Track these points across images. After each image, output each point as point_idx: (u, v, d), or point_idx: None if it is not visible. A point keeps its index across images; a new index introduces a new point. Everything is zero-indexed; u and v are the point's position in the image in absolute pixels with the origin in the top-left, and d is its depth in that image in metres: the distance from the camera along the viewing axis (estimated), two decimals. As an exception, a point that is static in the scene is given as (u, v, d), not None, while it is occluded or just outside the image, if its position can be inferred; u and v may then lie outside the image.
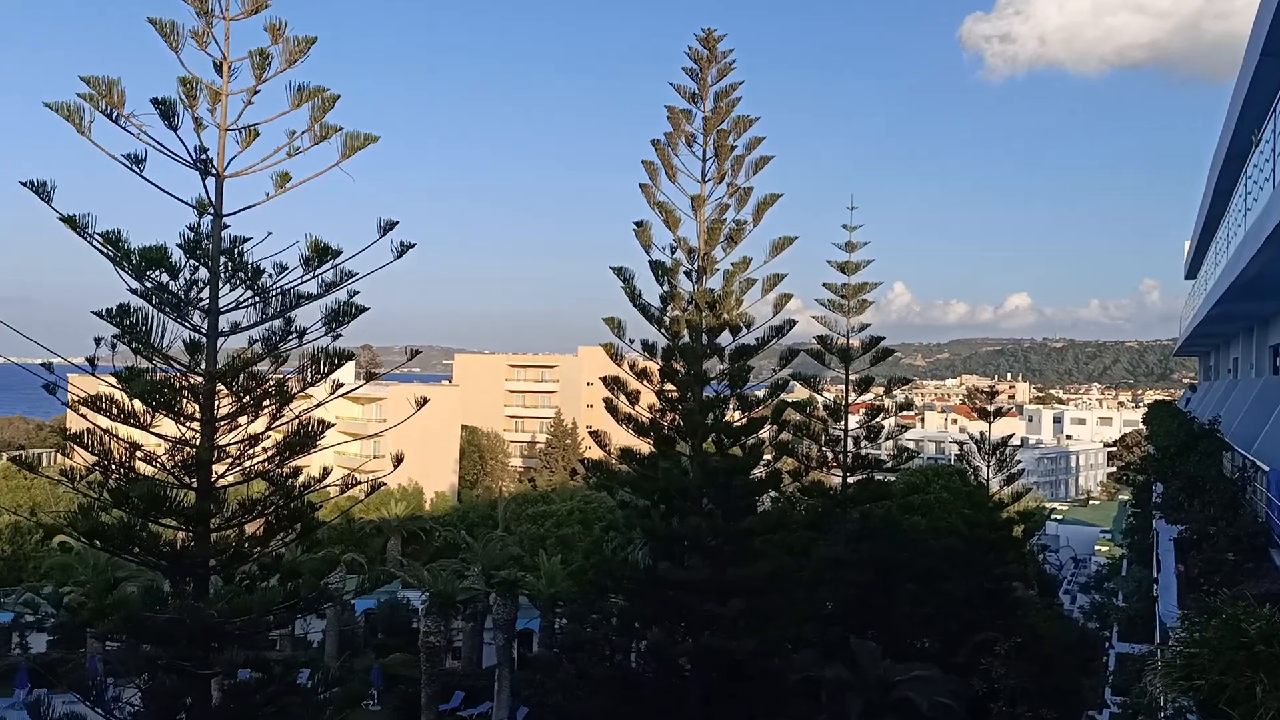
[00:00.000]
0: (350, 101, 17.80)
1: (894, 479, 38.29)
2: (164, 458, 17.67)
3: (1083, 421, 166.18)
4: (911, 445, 41.47)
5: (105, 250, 16.85)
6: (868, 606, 31.34)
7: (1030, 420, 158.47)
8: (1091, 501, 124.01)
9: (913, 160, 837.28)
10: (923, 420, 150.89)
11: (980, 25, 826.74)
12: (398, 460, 18.99)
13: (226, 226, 17.78)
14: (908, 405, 46.28)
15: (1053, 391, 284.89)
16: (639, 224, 27.83)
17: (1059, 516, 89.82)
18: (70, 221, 16.29)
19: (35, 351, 17.49)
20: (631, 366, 28.15)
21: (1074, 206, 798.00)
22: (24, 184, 16.22)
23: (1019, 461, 41.51)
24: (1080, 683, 29.92)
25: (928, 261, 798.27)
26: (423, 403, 19.32)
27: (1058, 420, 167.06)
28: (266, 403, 17.76)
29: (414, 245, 17.56)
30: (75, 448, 17.58)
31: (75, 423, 17.91)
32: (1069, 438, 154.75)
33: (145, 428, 17.76)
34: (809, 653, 27.27)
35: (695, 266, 28.05)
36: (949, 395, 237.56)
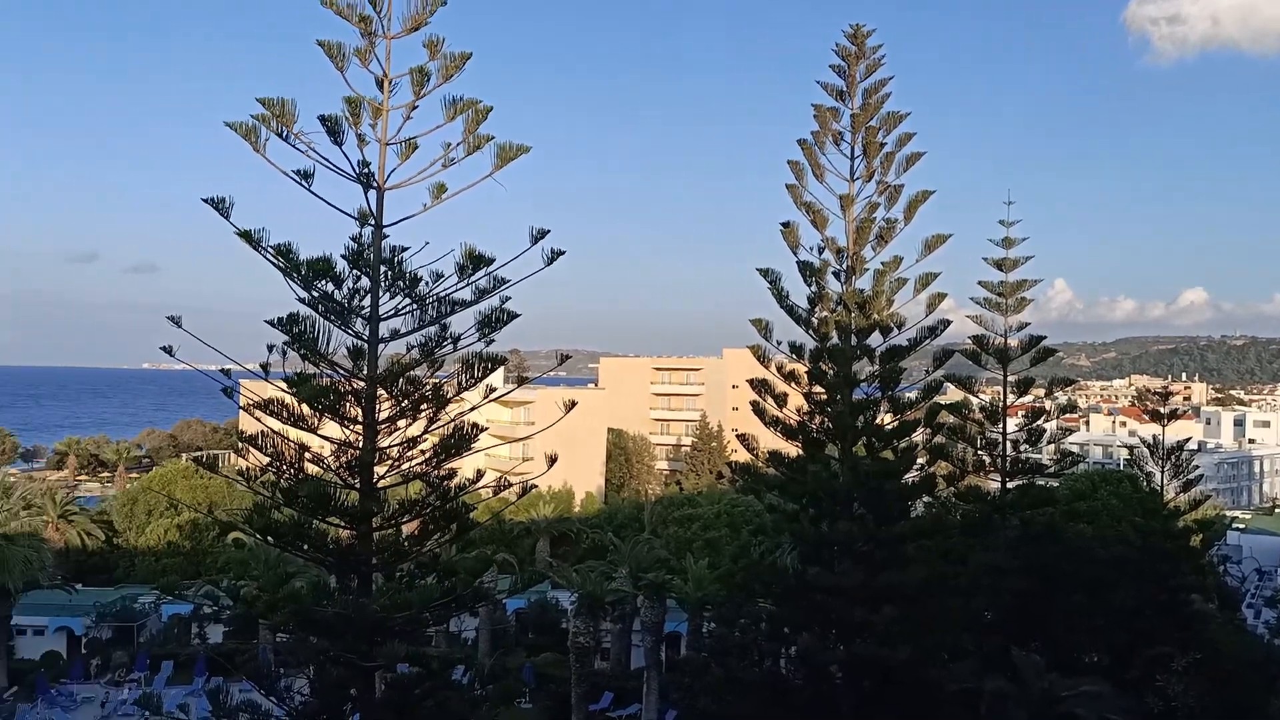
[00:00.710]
0: (504, 113, 18.41)
1: (1057, 484, 36.76)
2: (330, 459, 18.68)
3: (1267, 424, 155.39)
4: (1076, 449, 39.79)
5: (276, 262, 17.95)
6: (1029, 616, 30.22)
7: (1208, 423, 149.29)
8: (1278, 510, 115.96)
9: (1073, 152, 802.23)
10: (1087, 423, 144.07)
11: (1146, 7, 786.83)
12: (551, 460, 19.46)
13: (386, 237, 18.65)
14: (1071, 407, 44.36)
15: (1232, 392, 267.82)
16: (785, 225, 27.68)
17: (1241, 525, 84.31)
18: (246, 236, 17.41)
19: (213, 358, 18.75)
20: (779, 369, 27.99)
21: (1255, 195, 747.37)
22: (205, 200, 17.44)
23: (1196, 467, 39.19)
24: (1268, 702, 28.07)
25: (1091, 257, 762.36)
26: (571, 406, 19.74)
27: (1239, 423, 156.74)
28: (424, 406, 18.52)
29: (564, 252, 18.00)
30: (250, 449, 18.76)
31: (249, 425, 19.12)
32: (1252, 441, 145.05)
33: (313, 430, 18.81)
34: (967, 663, 26.50)
35: (844, 266, 27.69)
36: (1116, 397, 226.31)
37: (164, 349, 18.46)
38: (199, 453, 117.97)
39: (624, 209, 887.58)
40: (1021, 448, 33.39)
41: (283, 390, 18.47)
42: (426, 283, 18.35)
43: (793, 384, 27.81)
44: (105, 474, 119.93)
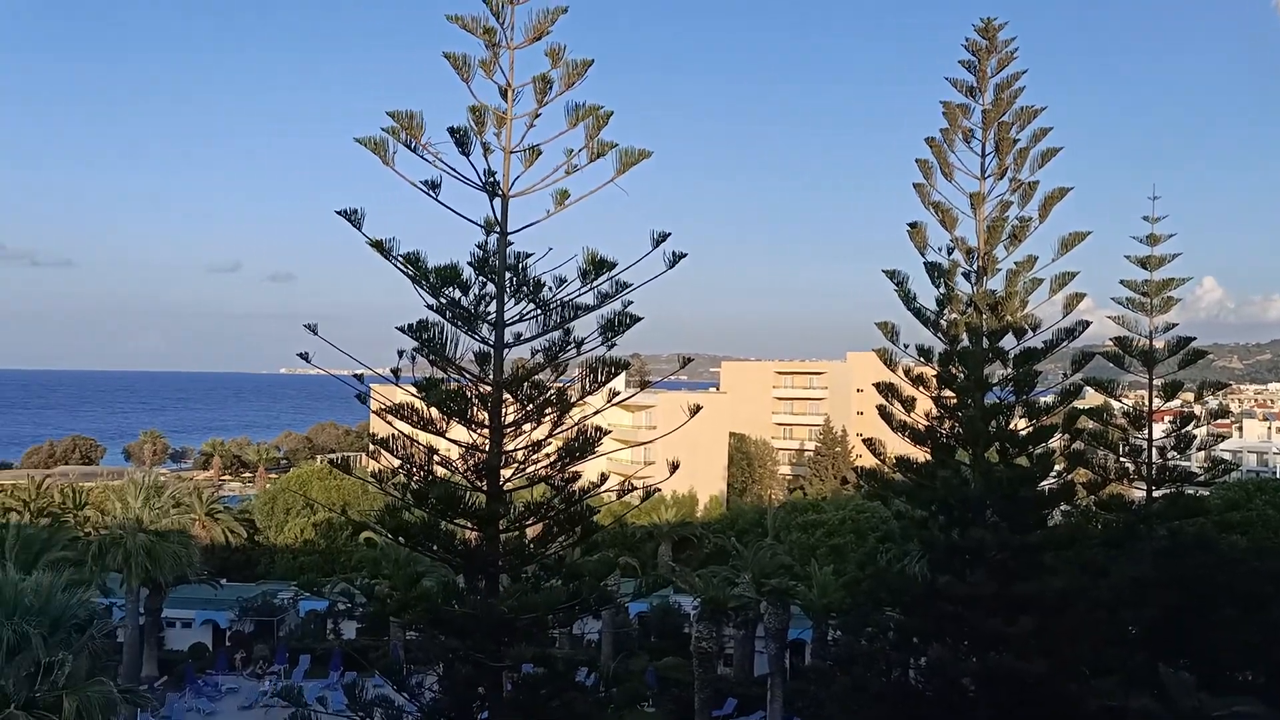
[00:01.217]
0: (625, 119, 18.66)
1: (1208, 493, 34.96)
2: (457, 462, 19.23)
3: None
4: (1228, 456, 37.73)
5: (406, 270, 18.59)
6: (1177, 632, 28.81)
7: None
8: None
9: (1223, 144, 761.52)
10: (1240, 428, 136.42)
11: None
12: (674, 466, 19.59)
13: (511, 243, 19.13)
14: (1222, 412, 42.12)
15: None
16: (913, 225, 27.15)
17: None
18: (378, 245, 18.09)
19: (346, 363, 19.55)
20: (906, 372, 27.44)
21: None
22: (339, 213, 18.19)
23: (1364, 476, 36.70)
24: None
25: (1243, 254, 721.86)
26: (696, 410, 19.83)
27: None
28: (548, 410, 18.89)
29: (685, 255, 18.12)
30: (382, 451, 19.48)
31: (379, 428, 19.86)
32: None
33: (441, 434, 19.41)
34: (1110, 679, 25.45)
35: (975, 267, 26.98)
36: (1272, 400, 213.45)
37: (301, 355, 19.33)
38: (333, 454, 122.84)
39: (744, 212, 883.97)
40: (1169, 455, 31.87)
41: (412, 395, 19.11)
42: (550, 288, 18.73)
43: (921, 388, 27.23)
44: (246, 474, 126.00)
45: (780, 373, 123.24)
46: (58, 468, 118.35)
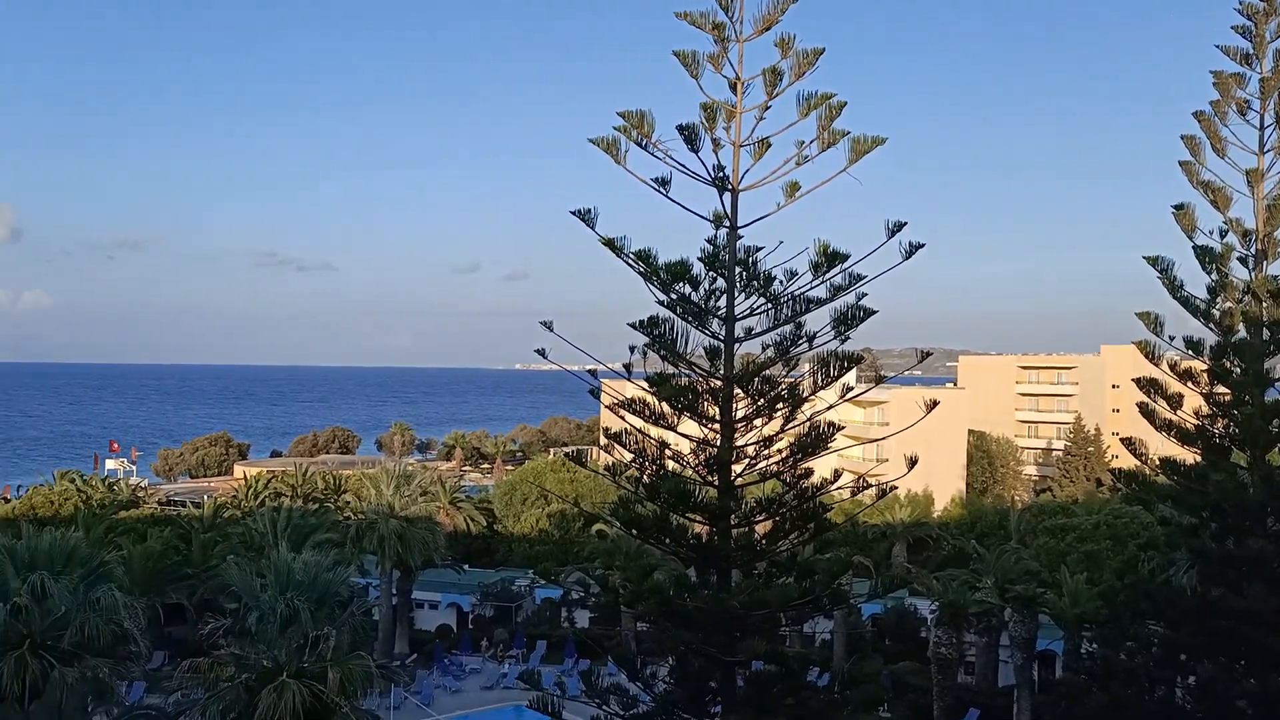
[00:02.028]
0: (857, 111, 18.37)
1: None
2: (689, 456, 19.57)
3: None
4: None
5: (637, 266, 19.08)
6: None
7: None
8: None
9: None
10: None
11: None
12: (912, 463, 19.14)
13: (740, 238, 19.23)
14: None
15: None
16: (1179, 207, 25.22)
17: None
18: (610, 243, 18.67)
19: (579, 359, 20.27)
20: (1172, 367, 25.52)
21: None
22: (573, 213, 18.92)
23: None
24: None
25: None
26: (933, 405, 19.27)
27: None
28: (779, 405, 18.89)
29: (923, 245, 17.66)
30: (615, 445, 20.09)
31: (611, 423, 20.49)
32: None
33: (672, 428, 19.80)
34: None
35: (1252, 251, 24.77)
36: None
37: (538, 351, 20.23)
38: (565, 448, 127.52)
39: (980, 201, 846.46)
40: None
41: (644, 390, 19.61)
42: (780, 282, 18.73)
43: (1189, 384, 25.26)
44: (485, 465, 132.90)
45: (1024, 367, 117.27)
46: (320, 456, 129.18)
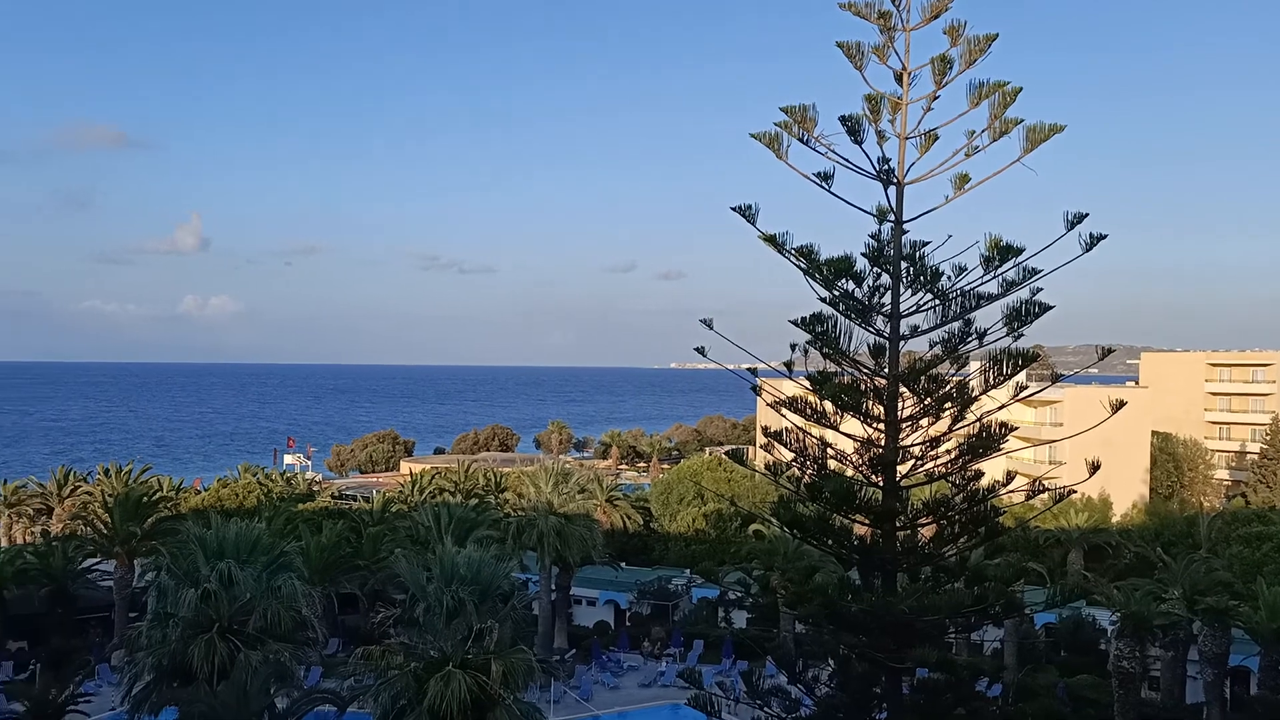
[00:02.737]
0: (1031, 99, 17.71)
1: None
2: (852, 456, 19.32)
3: None
4: None
5: (798, 263, 18.97)
6: None
7: None
8: None
9: None
10: None
11: None
12: (1094, 467, 18.34)
13: (906, 232, 18.86)
14: None
15: None
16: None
17: None
18: (771, 239, 18.62)
19: (736, 358, 20.28)
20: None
21: None
22: (734, 209, 18.95)
23: None
24: None
25: None
26: (1119, 406, 18.43)
27: None
28: (947, 405, 18.43)
29: (1105, 236, 16.91)
30: (775, 444, 20.02)
31: (769, 421, 20.43)
32: None
33: (834, 427, 19.58)
34: None
35: None
36: None
37: (697, 350, 20.33)
38: (721, 447, 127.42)
39: (1159, 191, 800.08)
40: None
41: (805, 388, 19.45)
42: (949, 277, 18.28)
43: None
44: (641, 464, 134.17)
45: (1214, 364, 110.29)
46: (480, 454, 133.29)
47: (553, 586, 47.71)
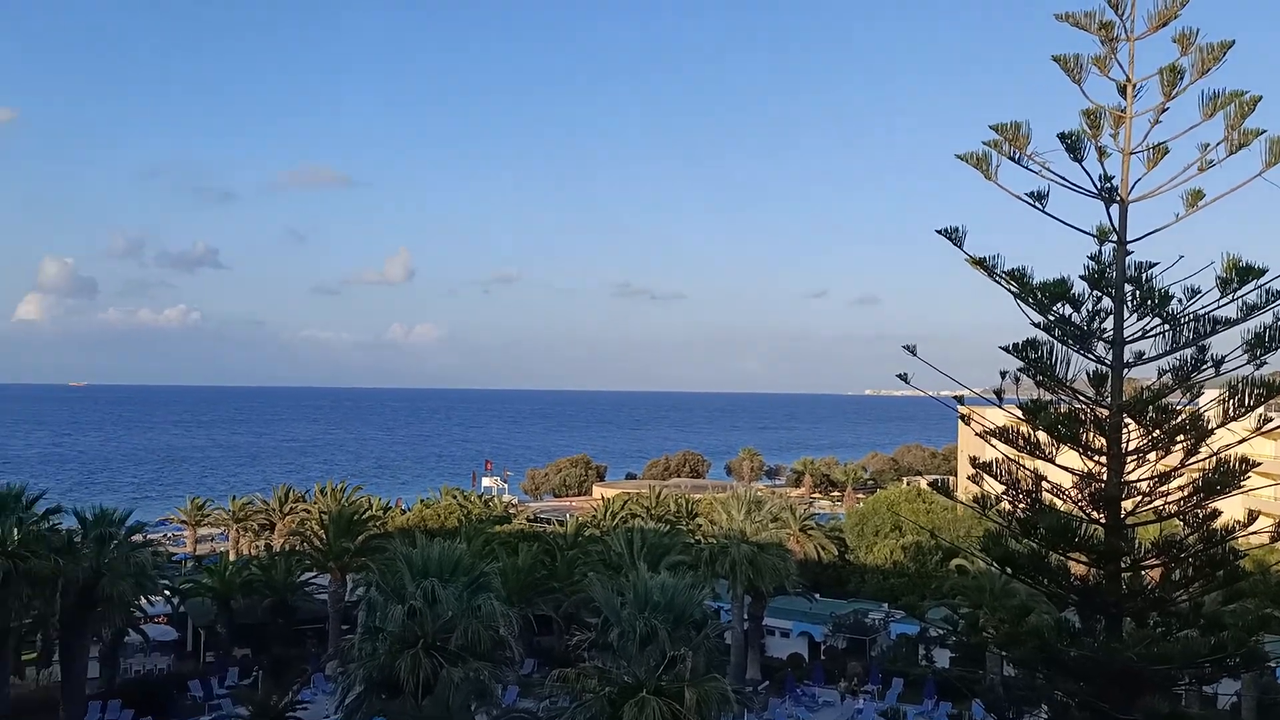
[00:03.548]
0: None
1: None
2: (1070, 490, 18.31)
3: None
4: None
5: (1009, 287, 18.21)
6: None
7: None
8: None
9: None
10: None
11: None
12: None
13: (1130, 253, 17.81)
14: None
15: None
16: None
17: None
18: (980, 263, 17.97)
19: (935, 385, 19.63)
20: None
21: None
22: (939, 231, 18.40)
23: None
24: None
25: None
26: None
27: None
28: (1179, 438, 17.22)
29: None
30: (984, 476, 19.21)
31: (972, 451, 19.61)
32: None
33: (1049, 459, 18.62)
34: None
35: None
36: None
37: (900, 376, 19.81)
38: (919, 476, 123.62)
39: None
40: None
41: (1015, 417, 18.62)
42: (1180, 300, 17.10)
43: None
44: (835, 493, 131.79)
45: None
46: (671, 479, 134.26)
47: (745, 616, 47.41)
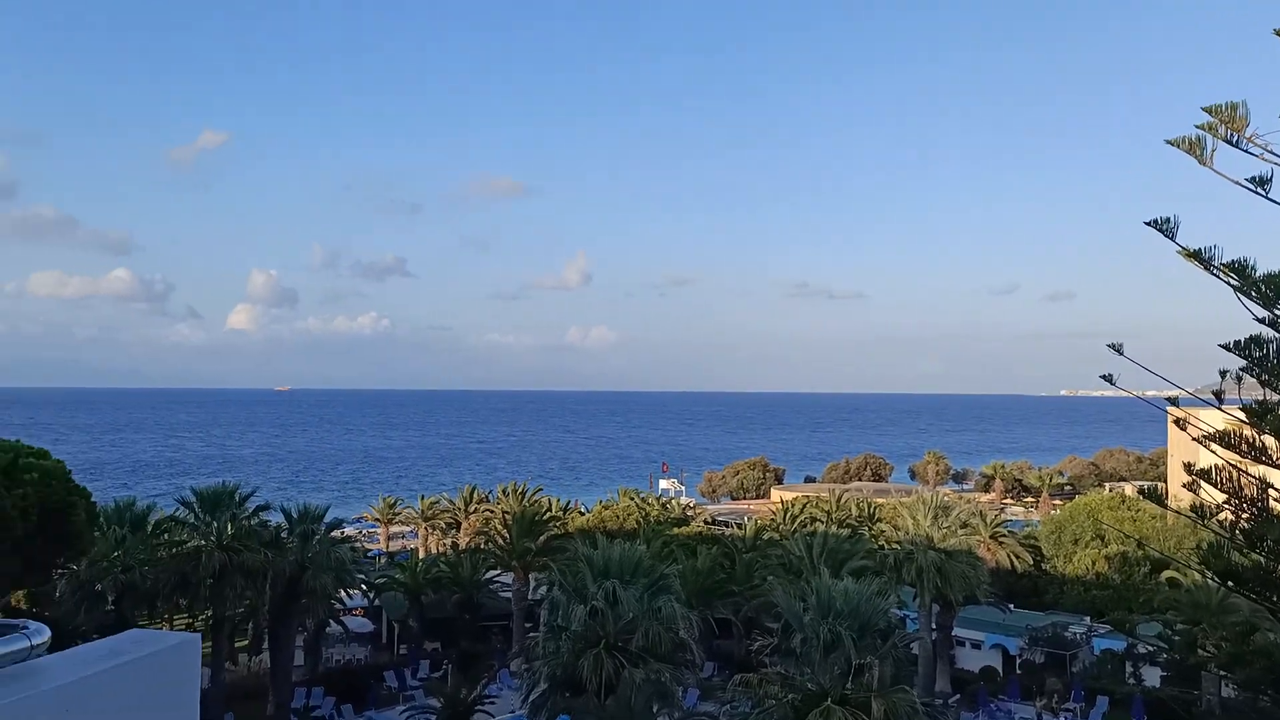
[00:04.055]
0: None
1: None
2: (1301, 500, 16.93)
3: None
4: None
5: (1229, 280, 16.94)
6: None
7: None
8: None
9: None
10: None
11: None
12: None
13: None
14: None
15: None
16: None
17: None
18: (1195, 255, 16.79)
19: (1145, 385, 18.48)
20: None
21: None
22: (1149, 223, 17.30)
23: None
24: None
25: None
26: None
27: None
28: None
29: None
30: (1201, 483, 17.97)
31: (1188, 454, 18.35)
32: None
33: (1277, 465, 17.24)
34: None
35: None
36: None
37: (1104, 377, 18.72)
38: (1121, 482, 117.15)
39: None
40: None
41: (1238, 420, 17.34)
42: None
43: None
44: (1028, 499, 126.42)
45: None
46: (852, 483, 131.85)
47: (933, 625, 46.08)
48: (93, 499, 32.97)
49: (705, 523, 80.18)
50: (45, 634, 5.49)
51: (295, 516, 43.12)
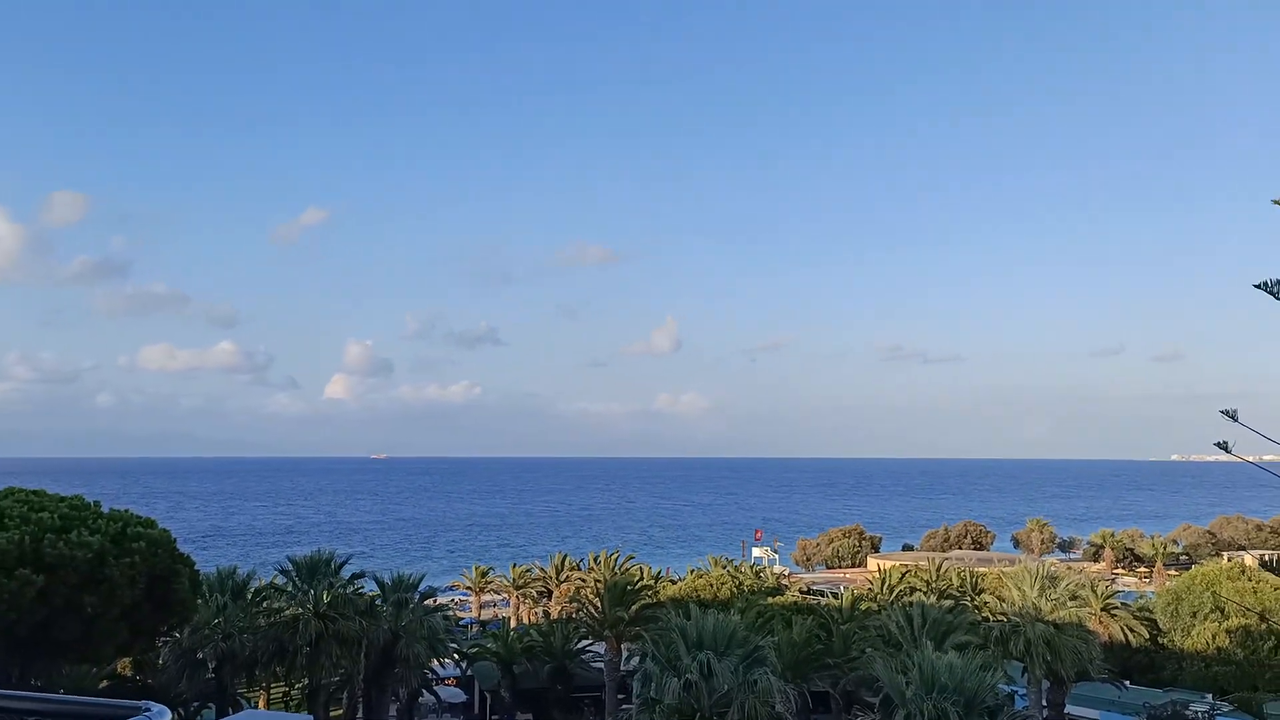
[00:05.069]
0: None
1: None
2: None
3: None
4: None
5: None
6: None
7: None
8: None
9: None
10: None
11: None
12: None
13: None
14: None
15: None
16: None
17: None
18: (1310, 311, 16.21)
19: (1264, 449, 17.72)
20: None
21: None
22: (1258, 286, 16.75)
23: None
24: None
25: None
26: None
27: None
28: None
29: None
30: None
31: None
32: None
33: None
34: None
35: None
36: None
37: (1219, 445, 18.03)
38: (1240, 551, 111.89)
39: None
40: None
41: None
42: None
43: None
44: (1141, 569, 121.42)
45: None
46: (952, 551, 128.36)
47: (1044, 703, 44.31)
48: (196, 567, 33.94)
49: (800, 592, 78.79)
50: (166, 716, 5.66)
51: (389, 584, 43.69)
